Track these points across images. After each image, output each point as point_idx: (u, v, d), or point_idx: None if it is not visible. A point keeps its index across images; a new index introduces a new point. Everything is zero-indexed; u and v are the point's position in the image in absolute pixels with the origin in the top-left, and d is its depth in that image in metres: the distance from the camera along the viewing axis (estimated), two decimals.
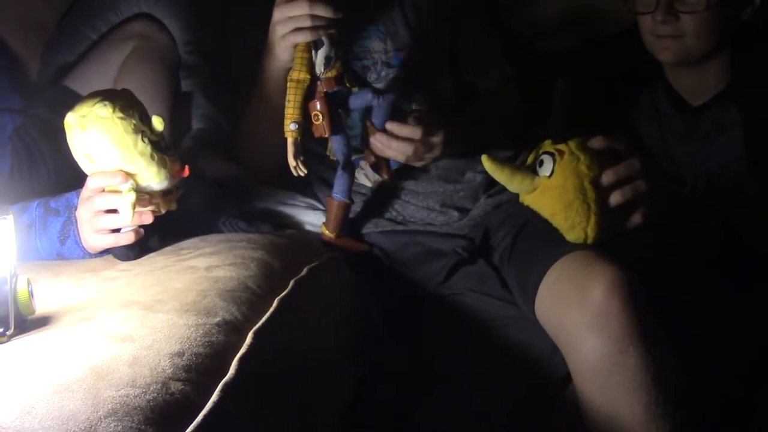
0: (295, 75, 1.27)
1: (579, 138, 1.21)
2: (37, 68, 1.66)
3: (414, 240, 1.40)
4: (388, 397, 1.29)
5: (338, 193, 1.33)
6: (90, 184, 1.13)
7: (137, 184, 1.11)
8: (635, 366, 1.07)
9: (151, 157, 1.12)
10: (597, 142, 1.20)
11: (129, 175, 1.11)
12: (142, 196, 1.12)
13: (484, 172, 1.24)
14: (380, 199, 1.43)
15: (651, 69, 1.55)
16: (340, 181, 1.34)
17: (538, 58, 1.79)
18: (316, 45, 1.27)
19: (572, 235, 1.19)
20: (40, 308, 0.97)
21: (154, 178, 1.13)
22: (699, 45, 1.44)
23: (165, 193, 1.15)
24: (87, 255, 1.18)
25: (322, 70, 1.27)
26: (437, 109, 1.46)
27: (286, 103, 1.26)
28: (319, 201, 1.44)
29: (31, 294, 0.93)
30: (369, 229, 1.42)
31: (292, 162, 1.26)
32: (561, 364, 1.18)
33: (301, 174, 1.27)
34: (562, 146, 1.19)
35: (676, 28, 1.43)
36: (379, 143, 1.33)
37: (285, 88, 1.28)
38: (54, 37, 1.68)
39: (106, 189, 1.12)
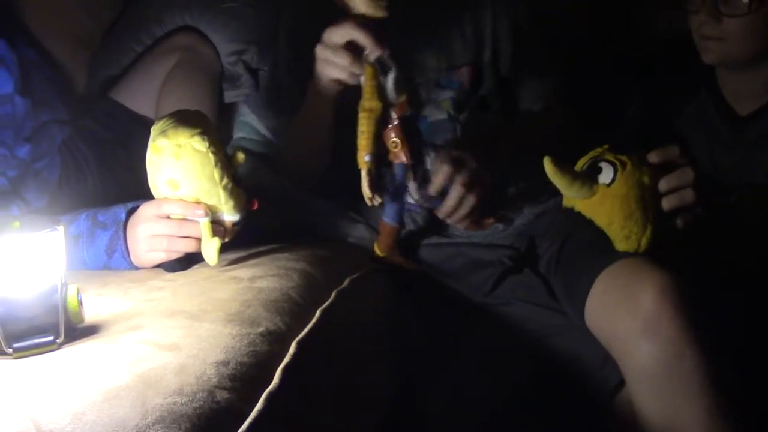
0: (366, 104, 1.24)
1: (639, 151, 1.21)
2: (84, 80, 1.70)
3: (459, 251, 1.40)
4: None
5: (391, 219, 1.31)
6: (165, 208, 1.14)
7: (211, 215, 1.14)
8: (692, 369, 1.07)
9: (231, 191, 1.14)
10: (656, 156, 1.20)
11: (207, 207, 1.13)
12: (217, 228, 1.14)
13: (526, 183, 1.24)
14: (425, 214, 1.42)
15: (699, 76, 1.54)
16: (394, 207, 1.31)
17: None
18: (384, 69, 1.24)
19: (625, 245, 1.19)
20: (89, 317, 0.98)
21: (230, 211, 1.15)
22: (741, 49, 1.43)
23: (233, 224, 1.18)
24: (133, 268, 1.20)
25: (395, 95, 1.25)
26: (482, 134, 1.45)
27: (359, 133, 1.24)
28: (360, 214, 1.44)
29: (80, 303, 0.95)
30: (415, 242, 1.41)
31: (367, 193, 1.26)
32: (613, 372, 1.17)
33: (376, 204, 1.27)
34: (623, 157, 1.19)
35: (719, 30, 1.42)
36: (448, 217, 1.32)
37: (330, 107, 1.28)
38: (100, 50, 1.72)
39: (172, 216, 1.14)
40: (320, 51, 1.26)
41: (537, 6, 1.53)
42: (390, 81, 1.24)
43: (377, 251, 1.34)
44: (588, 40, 1.79)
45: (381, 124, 1.25)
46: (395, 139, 1.25)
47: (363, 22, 1.24)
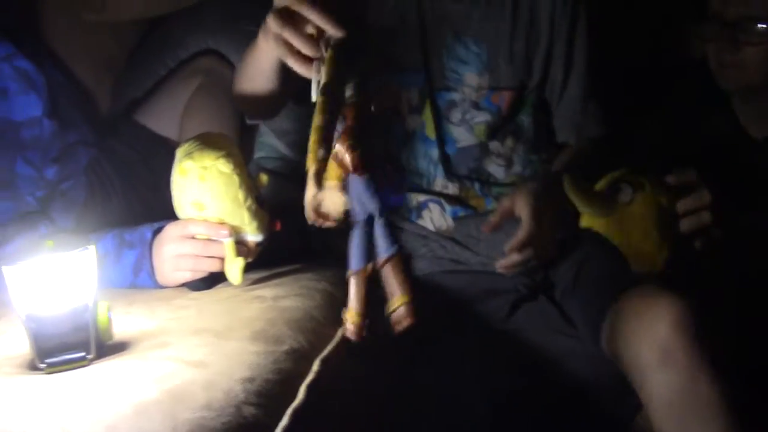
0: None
1: (656, 173, 1.22)
2: (108, 103, 1.73)
3: (475, 279, 1.39)
4: None
5: (358, 262, 1.01)
6: (190, 228, 1.17)
7: (235, 236, 1.16)
8: (709, 394, 1.07)
9: (255, 212, 1.17)
10: (674, 178, 1.21)
11: (231, 227, 1.16)
12: (241, 248, 1.17)
13: None
14: (442, 243, 1.43)
15: (715, 100, 1.55)
16: (361, 243, 1.01)
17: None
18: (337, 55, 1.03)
19: (640, 265, 1.20)
20: (117, 334, 1.01)
21: (254, 232, 1.18)
22: (759, 75, 1.44)
23: (256, 244, 1.20)
24: (158, 286, 1.22)
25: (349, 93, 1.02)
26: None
27: (313, 128, 0.97)
28: None
29: (110, 320, 0.98)
30: (433, 269, 1.42)
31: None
32: (630, 396, 1.18)
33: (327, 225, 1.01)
34: (642, 178, 1.21)
35: (737, 58, 1.43)
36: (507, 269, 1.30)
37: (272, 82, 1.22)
38: (124, 72, 1.74)
39: (197, 236, 1.17)
40: (269, 20, 1.10)
41: (593, 32, 1.47)
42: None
43: (348, 332, 1.03)
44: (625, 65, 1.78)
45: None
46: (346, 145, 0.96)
47: None
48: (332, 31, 1.04)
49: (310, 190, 0.94)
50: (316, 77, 1.01)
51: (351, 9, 1.10)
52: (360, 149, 0.96)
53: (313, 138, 0.93)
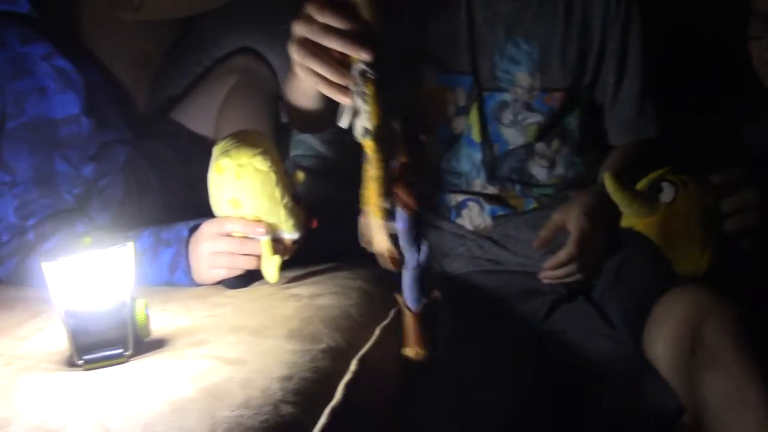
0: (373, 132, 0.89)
1: (701, 172, 1.20)
2: (145, 101, 1.74)
3: (512, 279, 1.39)
4: None
5: (413, 300, 0.93)
6: (227, 226, 1.16)
7: (272, 233, 1.16)
8: (756, 401, 1.05)
9: (292, 210, 1.16)
10: (719, 177, 1.19)
11: (267, 225, 1.15)
12: (277, 246, 1.16)
13: None
14: (479, 242, 1.42)
15: (761, 101, 1.52)
16: (415, 279, 0.93)
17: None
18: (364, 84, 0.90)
19: (683, 266, 1.18)
20: (154, 331, 1.01)
21: (290, 229, 1.18)
22: None
23: (292, 242, 1.19)
24: (194, 284, 1.22)
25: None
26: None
27: (369, 176, 0.89)
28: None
29: (148, 317, 0.98)
30: (469, 268, 1.41)
31: (392, 250, 0.91)
32: (672, 400, 1.16)
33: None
34: (685, 177, 1.19)
35: None
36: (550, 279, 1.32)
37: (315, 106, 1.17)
38: (161, 72, 1.76)
39: (234, 234, 1.16)
40: (291, 52, 0.99)
41: (648, 31, 1.44)
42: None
43: (409, 352, 0.95)
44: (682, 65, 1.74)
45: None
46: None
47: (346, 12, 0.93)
48: (358, 56, 0.91)
49: (384, 241, 0.88)
50: (351, 104, 0.91)
51: (384, 21, 0.94)
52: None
53: (372, 189, 0.87)
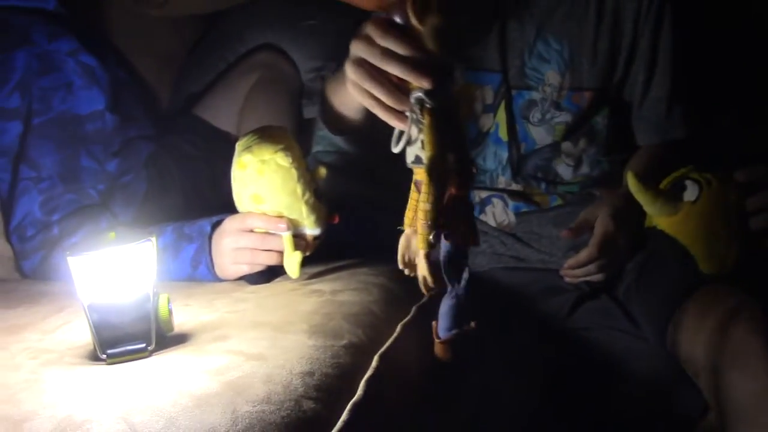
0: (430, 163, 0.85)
1: (725, 170, 1.19)
2: (168, 97, 1.75)
3: (535, 276, 1.38)
4: None
5: (446, 329, 0.91)
6: (249, 222, 1.17)
7: (293, 229, 1.16)
8: None
9: (313, 206, 1.17)
10: (743, 175, 1.18)
11: (289, 221, 1.16)
12: (299, 241, 1.17)
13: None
14: (502, 239, 1.42)
15: None
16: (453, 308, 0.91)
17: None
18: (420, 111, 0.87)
19: (708, 265, 1.17)
20: (177, 326, 1.01)
21: (312, 225, 1.18)
22: None
23: (314, 238, 1.20)
24: (217, 280, 1.23)
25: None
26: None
27: (422, 204, 0.86)
28: None
29: (171, 312, 0.98)
30: (492, 265, 1.41)
31: (430, 281, 0.90)
32: (697, 398, 1.15)
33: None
34: (708, 175, 1.18)
35: None
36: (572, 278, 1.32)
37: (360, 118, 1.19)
38: (184, 68, 1.76)
39: (256, 230, 1.17)
40: (348, 71, 0.95)
41: (679, 30, 1.41)
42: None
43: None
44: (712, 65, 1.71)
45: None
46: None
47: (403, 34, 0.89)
48: (419, 84, 0.87)
49: (425, 269, 0.87)
50: (406, 130, 0.88)
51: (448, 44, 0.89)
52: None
53: (421, 220, 0.84)
